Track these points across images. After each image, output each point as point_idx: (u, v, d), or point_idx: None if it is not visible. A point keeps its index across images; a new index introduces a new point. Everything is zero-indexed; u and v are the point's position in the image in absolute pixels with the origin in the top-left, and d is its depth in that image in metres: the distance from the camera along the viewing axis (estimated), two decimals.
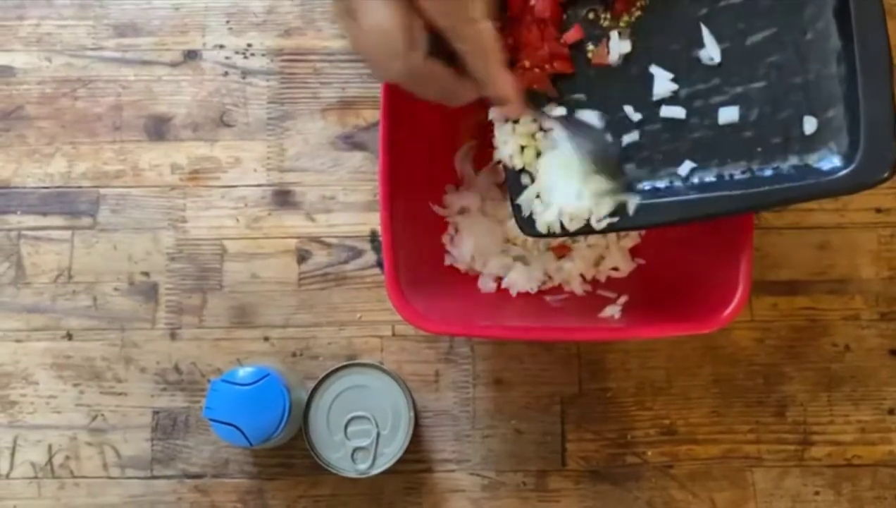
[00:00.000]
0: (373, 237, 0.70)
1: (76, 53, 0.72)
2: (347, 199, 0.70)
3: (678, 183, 0.52)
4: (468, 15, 0.47)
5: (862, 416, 0.67)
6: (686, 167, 0.51)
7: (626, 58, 0.52)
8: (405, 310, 0.54)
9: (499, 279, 0.64)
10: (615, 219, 0.52)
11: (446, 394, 0.67)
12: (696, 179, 0.51)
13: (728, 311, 0.54)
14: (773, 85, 0.49)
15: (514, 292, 0.63)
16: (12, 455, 0.67)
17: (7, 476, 0.66)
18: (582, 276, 0.64)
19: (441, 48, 0.48)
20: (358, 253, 0.69)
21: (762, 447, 0.67)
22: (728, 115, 0.50)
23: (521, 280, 0.63)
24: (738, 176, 0.50)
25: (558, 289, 0.64)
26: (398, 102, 0.58)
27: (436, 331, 0.55)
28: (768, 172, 0.50)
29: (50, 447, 0.67)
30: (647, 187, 0.52)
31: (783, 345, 0.68)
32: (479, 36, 0.48)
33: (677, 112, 0.51)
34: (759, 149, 0.50)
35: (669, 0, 0.51)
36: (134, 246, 0.69)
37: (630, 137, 0.53)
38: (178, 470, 0.66)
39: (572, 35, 0.52)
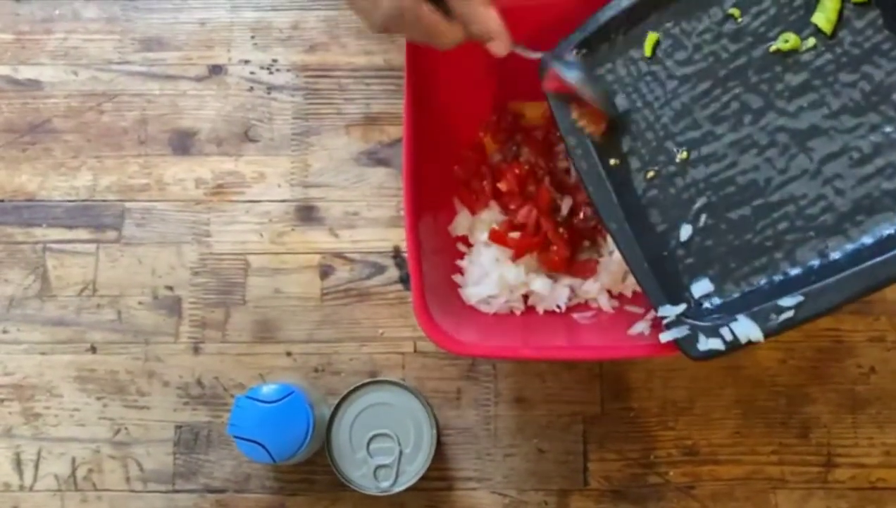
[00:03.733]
0: (395, 253, 0.70)
1: (102, 67, 0.73)
2: (370, 215, 0.70)
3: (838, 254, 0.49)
4: None
5: (887, 439, 0.66)
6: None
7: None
8: (434, 332, 0.54)
9: (525, 297, 0.64)
10: (790, 313, 0.49)
11: (468, 412, 0.67)
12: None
13: None
14: None
15: (540, 310, 0.63)
16: (36, 467, 0.67)
17: (31, 489, 0.67)
18: (609, 292, 0.64)
19: None
20: (380, 269, 0.69)
21: (785, 468, 0.66)
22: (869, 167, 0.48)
23: (547, 297, 0.63)
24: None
25: (586, 306, 0.64)
26: (421, 119, 0.58)
27: (466, 353, 0.55)
28: None
29: (73, 459, 0.67)
30: (814, 265, 0.50)
31: (807, 366, 0.67)
32: None
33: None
34: None
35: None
36: (158, 260, 0.70)
37: (780, 223, 0.51)
38: (200, 485, 0.67)
39: None
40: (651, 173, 0.55)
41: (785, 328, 0.49)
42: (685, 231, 0.54)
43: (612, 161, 0.55)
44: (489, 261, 0.63)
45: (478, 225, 0.65)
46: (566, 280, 0.63)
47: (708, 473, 0.66)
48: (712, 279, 0.53)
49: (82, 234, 0.70)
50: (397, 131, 0.71)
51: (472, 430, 0.67)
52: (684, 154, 0.54)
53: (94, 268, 0.70)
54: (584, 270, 0.63)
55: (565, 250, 0.62)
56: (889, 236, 0.47)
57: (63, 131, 0.72)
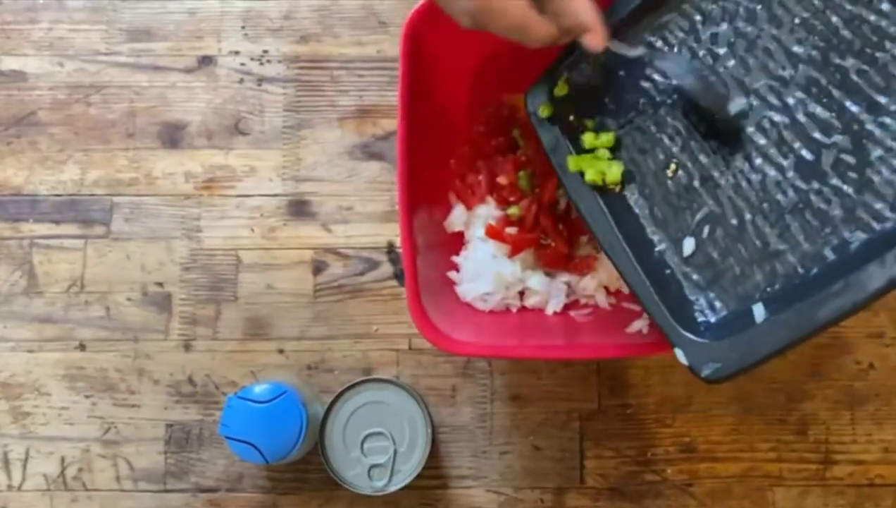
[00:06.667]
0: (389, 249, 0.68)
1: (89, 58, 0.71)
2: (364, 209, 0.69)
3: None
4: None
5: (885, 435, 0.66)
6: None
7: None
8: (429, 331, 0.53)
9: (521, 294, 0.63)
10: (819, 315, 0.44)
11: (463, 409, 0.66)
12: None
13: None
14: None
15: (536, 307, 0.62)
16: (24, 466, 0.66)
17: (19, 488, 0.66)
18: (606, 288, 0.63)
19: None
20: (374, 265, 0.68)
21: (783, 465, 0.66)
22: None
23: (543, 293, 0.62)
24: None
25: (583, 303, 0.63)
26: (416, 112, 0.57)
27: (461, 353, 0.54)
28: None
29: (62, 459, 0.66)
30: (831, 260, 0.46)
31: (805, 362, 0.67)
32: None
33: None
34: None
35: None
36: (147, 256, 0.68)
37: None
38: (192, 484, 0.66)
39: None
40: (647, 190, 0.53)
41: (814, 333, 0.45)
42: (688, 245, 0.51)
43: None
44: (485, 257, 0.62)
45: (474, 220, 0.64)
46: (563, 277, 0.62)
47: (706, 470, 0.66)
48: (722, 293, 0.50)
49: (70, 229, 0.69)
50: (391, 124, 0.70)
51: (468, 428, 0.66)
52: (675, 166, 0.52)
53: (81, 264, 0.68)
54: (582, 266, 0.62)
55: (563, 246, 0.61)
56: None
57: (49, 124, 0.70)
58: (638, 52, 0.52)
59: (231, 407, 0.58)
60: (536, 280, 0.62)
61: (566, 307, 0.62)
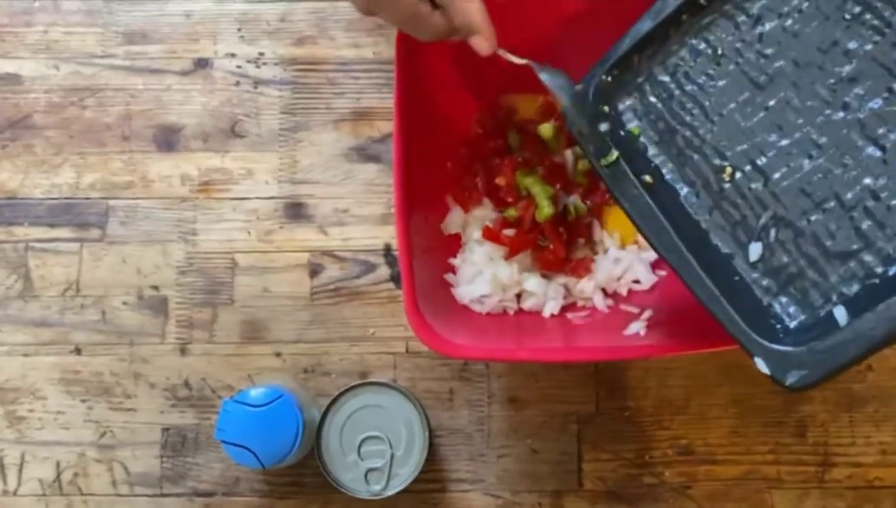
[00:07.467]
0: (386, 251, 0.68)
1: (84, 61, 0.71)
2: (361, 212, 0.69)
3: None
4: None
5: (884, 437, 0.66)
6: None
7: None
8: (426, 334, 0.53)
9: (518, 296, 0.62)
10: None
11: (461, 412, 0.66)
12: None
13: None
14: None
15: (533, 310, 0.62)
16: (20, 471, 0.66)
17: (14, 493, 0.65)
18: (603, 291, 0.62)
19: None
20: (371, 267, 0.68)
21: (782, 468, 0.65)
22: None
23: (541, 296, 0.62)
24: None
25: (580, 306, 0.63)
26: (412, 114, 0.57)
27: (459, 356, 0.54)
28: None
29: (58, 463, 0.66)
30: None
31: None
32: None
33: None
34: None
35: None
36: (143, 259, 0.68)
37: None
38: (188, 488, 0.65)
39: None
40: (704, 195, 0.52)
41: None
42: (755, 250, 0.50)
43: (645, 177, 0.52)
44: (482, 259, 0.62)
45: (471, 223, 0.63)
46: (560, 279, 0.62)
47: (704, 473, 0.65)
48: (797, 297, 0.48)
49: (65, 233, 0.69)
50: (387, 126, 0.69)
51: (465, 431, 0.66)
52: (731, 169, 0.51)
53: (77, 267, 0.68)
54: (579, 268, 0.62)
55: (561, 248, 0.61)
56: None
57: (44, 127, 0.70)
58: (522, 61, 0.52)
59: (227, 411, 0.57)
60: (534, 282, 0.62)
61: (563, 310, 0.62)
